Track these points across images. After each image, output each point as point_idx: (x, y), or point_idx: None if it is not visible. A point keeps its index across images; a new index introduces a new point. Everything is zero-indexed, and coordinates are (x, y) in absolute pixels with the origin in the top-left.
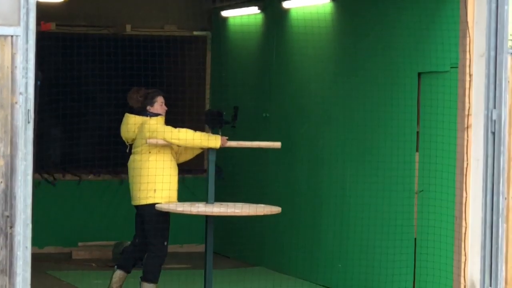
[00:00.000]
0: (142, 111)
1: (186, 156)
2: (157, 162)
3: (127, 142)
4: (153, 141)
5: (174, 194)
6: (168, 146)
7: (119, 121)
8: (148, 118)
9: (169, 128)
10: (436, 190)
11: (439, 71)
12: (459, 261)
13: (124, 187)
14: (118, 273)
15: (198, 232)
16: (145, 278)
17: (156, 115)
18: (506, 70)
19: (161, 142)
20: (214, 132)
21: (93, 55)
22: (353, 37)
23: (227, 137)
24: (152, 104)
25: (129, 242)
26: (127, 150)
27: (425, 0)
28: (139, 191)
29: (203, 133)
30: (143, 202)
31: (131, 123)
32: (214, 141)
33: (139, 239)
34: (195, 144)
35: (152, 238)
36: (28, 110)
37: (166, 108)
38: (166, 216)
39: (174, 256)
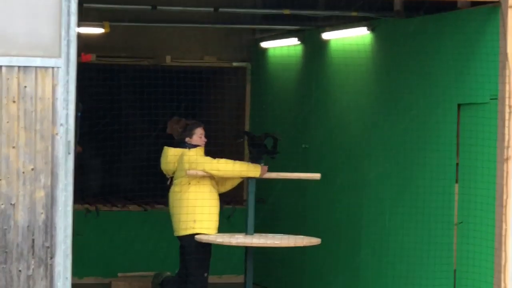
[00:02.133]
0: (180, 143)
1: (226, 187)
2: (197, 193)
3: (168, 175)
4: (192, 172)
5: (214, 224)
6: (207, 177)
7: (159, 151)
8: (187, 149)
9: (209, 159)
10: (475, 221)
11: (479, 102)
12: None
13: (163, 218)
14: None
15: (238, 263)
16: None
17: (195, 146)
18: None
19: (200, 173)
20: (255, 161)
21: (133, 86)
22: (392, 68)
23: (267, 166)
24: (191, 136)
25: (168, 273)
26: (168, 183)
27: (465, 32)
28: (179, 222)
29: (243, 163)
30: (183, 233)
31: (171, 155)
32: (254, 171)
33: (182, 270)
34: (235, 174)
35: (192, 269)
36: (69, 141)
37: (205, 140)
38: (206, 247)
39: (214, 287)
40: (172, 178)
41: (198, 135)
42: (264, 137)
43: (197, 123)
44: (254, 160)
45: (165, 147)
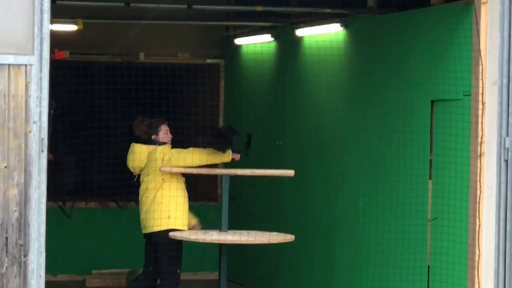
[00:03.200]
0: (148, 140)
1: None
2: (171, 190)
3: (135, 172)
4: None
5: (186, 221)
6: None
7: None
8: (156, 146)
9: (180, 151)
10: (449, 217)
11: (452, 99)
12: None
13: (137, 215)
14: None
15: (212, 260)
16: None
17: (163, 143)
18: None
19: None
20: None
21: (107, 83)
22: (365, 65)
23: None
24: (157, 133)
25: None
26: (135, 180)
27: (438, 28)
28: (152, 219)
29: (212, 150)
30: (157, 229)
31: (138, 152)
32: (226, 156)
33: (152, 267)
34: (208, 161)
35: (165, 266)
36: (42, 138)
37: (171, 136)
38: (179, 243)
39: (188, 284)
40: (139, 175)
41: (164, 132)
42: (226, 129)
43: (161, 119)
44: (219, 148)
45: (133, 144)
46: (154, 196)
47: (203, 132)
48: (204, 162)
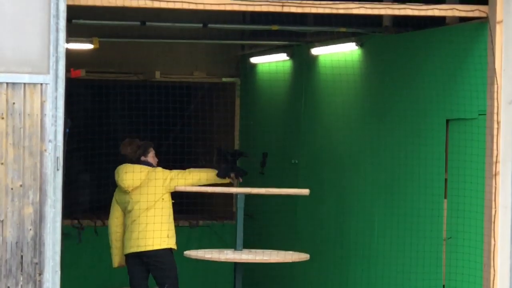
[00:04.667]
0: (136, 161)
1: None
2: (167, 210)
3: (128, 190)
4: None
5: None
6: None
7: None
8: (154, 167)
9: (178, 171)
10: (464, 237)
11: (467, 118)
12: None
13: None
14: None
15: (227, 279)
16: None
17: (150, 165)
18: None
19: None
20: (222, 176)
21: (122, 101)
22: (381, 84)
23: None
24: (146, 155)
25: None
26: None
27: (453, 47)
28: (152, 238)
29: (210, 170)
30: (157, 247)
31: (138, 172)
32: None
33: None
34: (208, 181)
35: (167, 280)
36: (57, 157)
37: (157, 160)
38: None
39: None
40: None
41: (152, 154)
42: (234, 154)
43: (150, 142)
44: (221, 175)
45: (127, 164)
46: (154, 216)
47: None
48: (204, 182)
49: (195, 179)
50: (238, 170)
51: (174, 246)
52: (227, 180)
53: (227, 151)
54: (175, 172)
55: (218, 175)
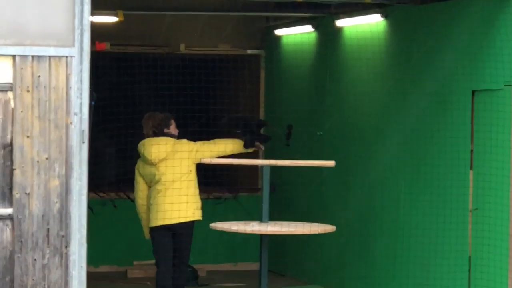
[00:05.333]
0: (160, 134)
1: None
2: (196, 180)
3: (154, 162)
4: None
5: None
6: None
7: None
8: (179, 140)
9: (203, 142)
10: (490, 208)
11: (493, 89)
12: None
13: None
14: None
15: (253, 251)
16: None
17: (173, 136)
18: None
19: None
20: (248, 146)
21: (147, 74)
22: (406, 55)
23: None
24: (168, 127)
25: None
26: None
27: (478, 18)
28: (185, 210)
29: (232, 140)
30: (190, 218)
31: (164, 144)
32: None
33: (169, 259)
34: (233, 151)
35: (187, 257)
36: (83, 130)
37: (177, 131)
38: None
39: (229, 274)
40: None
41: (173, 126)
42: (257, 124)
43: (170, 115)
44: (248, 144)
45: (152, 138)
46: (184, 187)
47: (232, 124)
48: (229, 152)
49: (221, 150)
50: (262, 138)
51: (201, 217)
52: (251, 149)
53: (251, 121)
54: (200, 143)
55: (245, 146)
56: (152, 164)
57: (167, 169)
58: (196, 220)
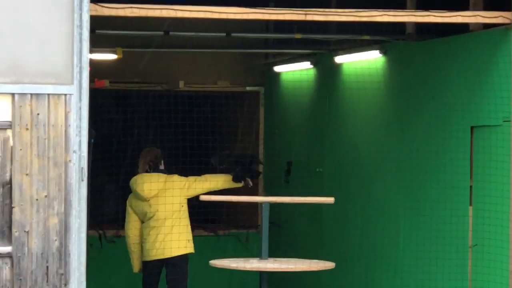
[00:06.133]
0: (154, 169)
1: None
2: (186, 216)
3: (147, 199)
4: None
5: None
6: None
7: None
8: (171, 175)
9: (195, 178)
10: (490, 244)
11: (492, 124)
12: None
13: None
14: None
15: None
16: None
17: (162, 172)
18: None
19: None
20: (238, 180)
21: (147, 111)
22: (405, 91)
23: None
24: (161, 163)
25: None
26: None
27: (476, 54)
28: (177, 242)
29: (223, 175)
30: (182, 252)
31: (156, 181)
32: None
33: None
34: (224, 187)
35: (185, 286)
36: (82, 168)
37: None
38: None
39: None
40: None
41: (164, 161)
42: (247, 157)
43: (159, 150)
44: (237, 179)
45: (144, 174)
46: (176, 222)
47: (223, 161)
48: (220, 187)
49: (212, 186)
50: (252, 172)
51: (193, 250)
52: (241, 185)
53: (242, 157)
54: (192, 179)
55: (234, 179)
56: (145, 200)
57: (159, 205)
58: (189, 253)
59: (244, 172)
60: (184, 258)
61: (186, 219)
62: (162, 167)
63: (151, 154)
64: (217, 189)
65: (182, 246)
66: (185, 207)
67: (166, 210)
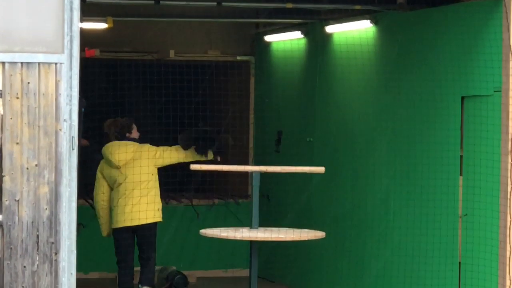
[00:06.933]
0: (121, 138)
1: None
2: (156, 184)
3: (118, 165)
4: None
5: None
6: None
7: (165, 144)
8: (141, 144)
9: (164, 148)
10: (480, 214)
11: (482, 95)
12: (504, 285)
13: (170, 212)
14: None
15: (243, 257)
16: (151, 284)
17: (133, 139)
18: None
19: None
20: (200, 152)
21: (137, 81)
22: (395, 61)
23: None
24: (130, 131)
25: (173, 267)
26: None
27: (468, 24)
28: (146, 211)
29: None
30: (150, 220)
31: (127, 147)
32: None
33: (130, 258)
34: (193, 158)
35: (153, 252)
36: (73, 137)
37: (139, 134)
38: None
39: (219, 281)
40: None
41: (135, 130)
42: (214, 132)
43: (131, 119)
44: (199, 150)
45: (114, 142)
46: (145, 190)
47: (189, 137)
48: (188, 159)
49: (180, 156)
50: (216, 146)
51: (161, 219)
52: (210, 156)
53: (204, 131)
54: (162, 149)
55: (196, 151)
56: (116, 167)
57: (129, 172)
58: (157, 222)
59: (207, 145)
60: (152, 226)
61: (156, 189)
62: (133, 135)
63: (115, 125)
64: (185, 161)
65: (151, 216)
66: (155, 176)
67: (135, 180)
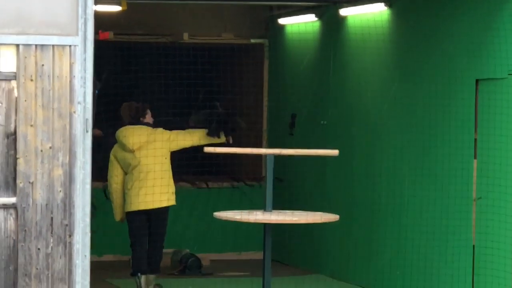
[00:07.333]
0: (136, 123)
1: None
2: (170, 167)
3: (132, 149)
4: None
5: None
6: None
7: (178, 127)
8: (154, 128)
9: (178, 132)
10: (494, 197)
11: (497, 77)
12: None
13: (183, 194)
14: (144, 278)
15: (256, 240)
16: (157, 270)
17: (147, 124)
18: None
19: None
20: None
21: (151, 63)
22: (409, 44)
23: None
24: (144, 116)
25: (187, 250)
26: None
27: (482, 7)
28: (160, 194)
29: (202, 130)
30: (165, 204)
31: (141, 132)
32: (221, 138)
33: (144, 241)
34: (206, 141)
35: (163, 235)
36: (87, 119)
37: (153, 119)
38: None
39: (233, 263)
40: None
41: (149, 115)
42: (224, 115)
43: (146, 104)
44: (211, 133)
45: (128, 127)
46: (159, 175)
47: (200, 119)
48: (203, 142)
49: (194, 138)
50: (227, 129)
51: (175, 202)
52: (221, 140)
53: (215, 113)
54: (175, 133)
55: (208, 134)
56: (130, 151)
57: (143, 155)
58: (170, 206)
59: (219, 127)
60: (165, 210)
61: (169, 172)
62: (147, 119)
63: (129, 109)
64: (198, 144)
65: (165, 199)
66: (168, 160)
67: (149, 163)
